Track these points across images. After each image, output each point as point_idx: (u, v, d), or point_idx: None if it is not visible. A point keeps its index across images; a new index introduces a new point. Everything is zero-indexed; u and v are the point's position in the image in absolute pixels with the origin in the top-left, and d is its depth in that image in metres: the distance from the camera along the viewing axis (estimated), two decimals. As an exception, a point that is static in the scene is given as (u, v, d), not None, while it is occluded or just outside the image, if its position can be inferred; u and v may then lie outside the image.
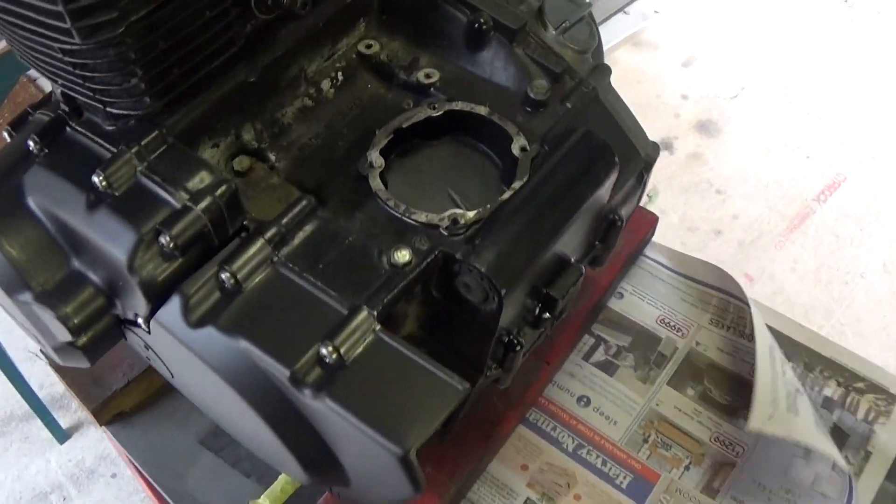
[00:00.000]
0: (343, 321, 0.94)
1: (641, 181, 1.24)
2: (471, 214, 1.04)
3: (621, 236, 1.28)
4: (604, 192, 1.10)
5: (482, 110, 1.14)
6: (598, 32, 1.26)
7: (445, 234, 1.03)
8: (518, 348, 1.09)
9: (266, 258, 0.99)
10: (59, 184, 1.05)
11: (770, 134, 2.30)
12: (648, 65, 2.54)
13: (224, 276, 0.98)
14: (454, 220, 1.03)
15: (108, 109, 1.05)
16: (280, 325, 0.97)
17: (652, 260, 1.58)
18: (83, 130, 1.08)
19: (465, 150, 1.17)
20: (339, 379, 0.88)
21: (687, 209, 2.15)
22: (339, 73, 1.22)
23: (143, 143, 1.03)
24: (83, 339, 1.07)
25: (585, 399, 1.43)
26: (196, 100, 1.09)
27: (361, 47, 1.23)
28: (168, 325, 1.01)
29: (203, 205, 0.98)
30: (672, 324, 1.51)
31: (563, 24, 1.20)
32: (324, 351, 0.91)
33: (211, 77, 1.09)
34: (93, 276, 1.05)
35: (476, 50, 1.19)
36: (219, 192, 0.99)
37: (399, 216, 1.05)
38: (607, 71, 1.21)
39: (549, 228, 1.04)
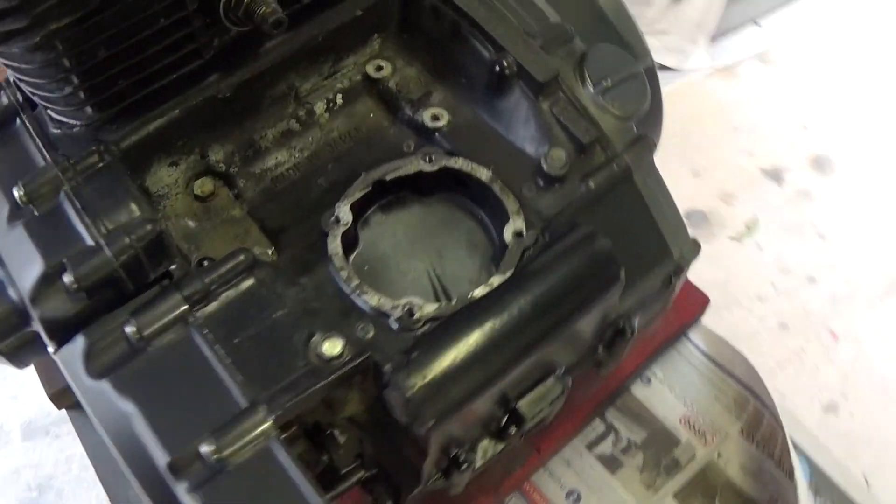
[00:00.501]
0: (238, 417, 0.80)
1: (669, 285, 1.03)
2: (430, 309, 0.87)
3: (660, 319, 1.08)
4: (600, 309, 0.91)
5: (483, 174, 0.96)
6: (656, 93, 1.05)
7: (395, 326, 0.86)
8: (465, 467, 0.92)
9: (180, 317, 0.86)
10: (-10, 184, 0.94)
11: (885, 182, 2.03)
12: (772, 85, 2.26)
13: (130, 329, 0.84)
14: (409, 312, 0.87)
15: (49, 113, 0.92)
16: (175, 399, 0.80)
17: (692, 344, 1.37)
18: (29, 127, 0.95)
19: (459, 215, 0.99)
20: (217, 483, 0.76)
21: (784, 249, 1.93)
22: (339, 96, 1.06)
23: (73, 160, 0.89)
24: (2, 347, 0.96)
25: (576, 495, 1.26)
26: (152, 113, 0.95)
27: (370, 68, 1.06)
28: (68, 366, 0.89)
29: (116, 247, 0.85)
30: (697, 427, 1.30)
31: (607, 81, 0.99)
32: (205, 449, 0.77)
33: (173, 89, 0.94)
34: (10, 292, 0.93)
35: (495, 97, 1.00)
36: (138, 233, 0.85)
37: (348, 293, 0.88)
38: (650, 146, 1.00)
39: (517, 348, 0.86)
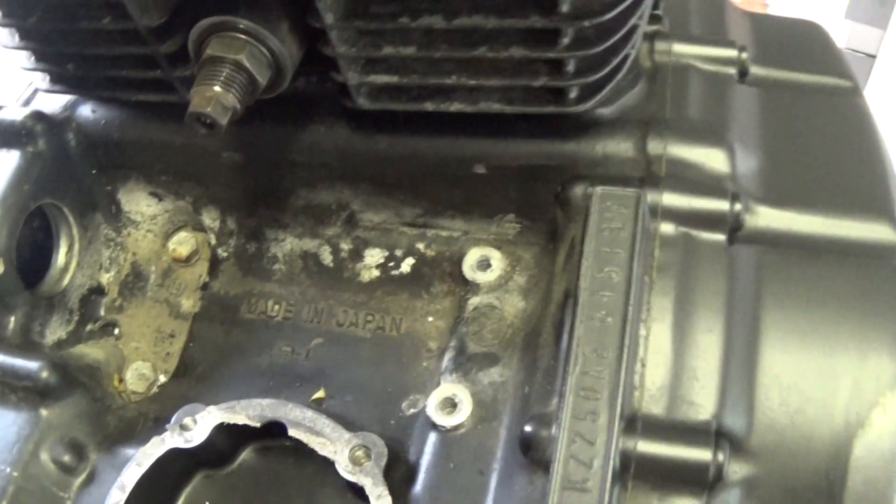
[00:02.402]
0: None
1: None
2: None
3: None
4: None
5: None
6: None
7: None
8: None
9: None
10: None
11: None
12: None
13: None
14: None
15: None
16: None
17: None
18: None
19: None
20: None
21: None
22: (409, 262, 0.70)
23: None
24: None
25: None
26: (135, 121, 0.71)
27: (472, 256, 0.68)
28: None
29: None
30: None
31: None
32: None
33: (161, 108, 0.67)
34: None
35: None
36: None
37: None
38: None
39: None
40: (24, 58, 0.67)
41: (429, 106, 0.59)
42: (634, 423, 0.53)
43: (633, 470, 0.52)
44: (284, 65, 0.57)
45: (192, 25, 0.58)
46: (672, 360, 0.55)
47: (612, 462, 0.51)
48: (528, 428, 0.53)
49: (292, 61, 0.58)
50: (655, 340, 0.55)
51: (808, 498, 0.53)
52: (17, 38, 0.65)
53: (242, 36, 0.56)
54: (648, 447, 0.52)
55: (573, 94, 0.57)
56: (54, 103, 0.72)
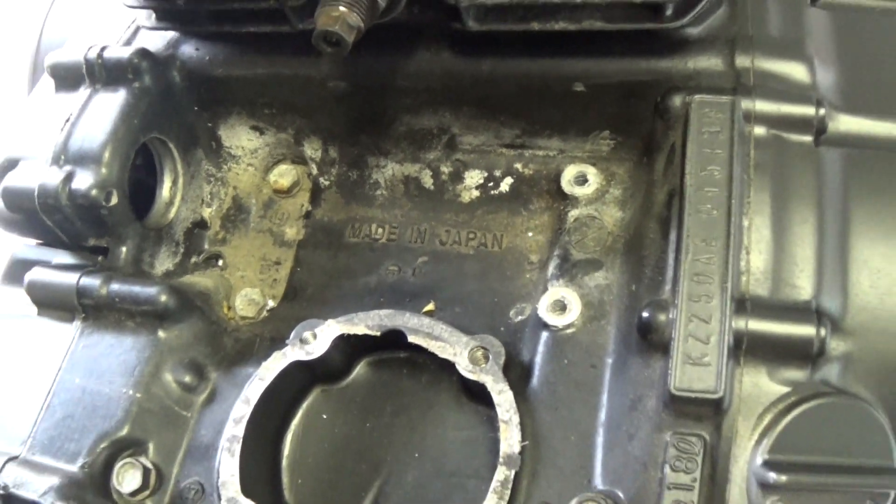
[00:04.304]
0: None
1: None
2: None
3: None
4: None
5: (509, 446, 0.64)
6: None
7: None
8: None
9: (68, 305, 0.75)
10: None
11: None
12: None
13: (27, 279, 0.77)
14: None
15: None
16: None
17: None
18: None
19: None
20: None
21: None
22: (508, 180, 0.78)
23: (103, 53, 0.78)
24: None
25: None
26: (241, 57, 0.79)
27: (570, 172, 0.75)
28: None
29: (43, 193, 0.74)
30: None
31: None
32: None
33: (269, 44, 0.77)
34: None
35: (635, 346, 0.64)
36: (76, 188, 0.73)
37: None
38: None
39: None
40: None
41: (535, 25, 0.67)
42: (744, 304, 0.61)
43: (745, 346, 0.60)
44: (403, -13, 0.66)
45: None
46: (773, 247, 0.63)
47: (727, 338, 0.59)
48: (645, 314, 0.62)
49: (409, -16, 0.66)
50: (757, 230, 0.63)
51: None
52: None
53: (365, -41, 0.64)
54: (758, 325, 0.60)
55: (669, 10, 0.66)
56: (157, 42, 0.80)
